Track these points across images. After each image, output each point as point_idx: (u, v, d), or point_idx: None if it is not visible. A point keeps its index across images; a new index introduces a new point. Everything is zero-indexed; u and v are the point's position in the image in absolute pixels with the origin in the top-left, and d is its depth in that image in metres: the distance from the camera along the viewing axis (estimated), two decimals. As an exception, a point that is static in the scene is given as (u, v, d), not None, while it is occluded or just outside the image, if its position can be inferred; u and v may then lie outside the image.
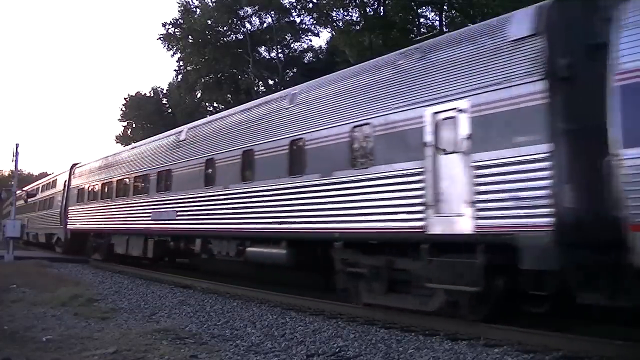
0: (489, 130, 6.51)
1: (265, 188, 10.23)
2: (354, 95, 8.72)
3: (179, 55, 41.75)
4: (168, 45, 41.18)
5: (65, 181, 22.71)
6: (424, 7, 30.97)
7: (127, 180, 17.30)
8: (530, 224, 5.94)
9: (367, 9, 31.61)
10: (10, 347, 5.89)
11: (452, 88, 7.04)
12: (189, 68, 42.08)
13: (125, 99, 57.01)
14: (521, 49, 6.38)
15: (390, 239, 7.78)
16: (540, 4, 6.56)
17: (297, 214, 9.33)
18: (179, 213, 13.32)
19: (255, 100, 13.41)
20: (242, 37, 39.42)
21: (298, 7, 36.73)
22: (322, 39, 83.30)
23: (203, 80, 41.23)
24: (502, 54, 6.59)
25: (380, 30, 30.04)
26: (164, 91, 54.71)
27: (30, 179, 53.38)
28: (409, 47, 8.72)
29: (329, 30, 37.72)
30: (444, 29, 32.45)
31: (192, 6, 40.08)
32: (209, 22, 39.05)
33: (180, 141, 14.31)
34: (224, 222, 11.43)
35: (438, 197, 6.96)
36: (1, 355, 5.40)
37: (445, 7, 30.77)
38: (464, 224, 6.59)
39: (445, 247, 6.97)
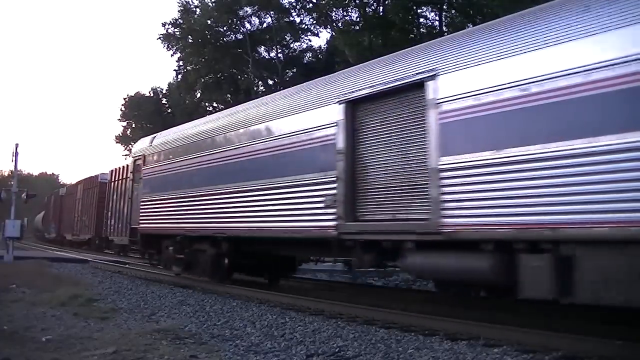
0: None
1: None
2: None
3: (178, 55, 41.86)
4: (168, 45, 41.29)
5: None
6: (423, 7, 31.01)
7: None
8: None
9: (367, 9, 31.65)
10: (9, 347, 5.89)
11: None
12: (188, 68, 42.21)
13: (124, 99, 57.17)
14: None
15: None
16: None
17: None
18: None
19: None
20: (241, 37, 39.52)
21: (298, 7, 36.80)
22: (321, 39, 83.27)
23: (203, 80, 41.31)
24: None
25: (379, 30, 30.10)
26: (164, 91, 54.78)
27: (30, 178, 53.83)
28: None
29: (328, 30, 37.81)
30: (444, 29, 32.55)
31: (192, 6, 40.16)
32: (209, 22, 39.13)
33: None
34: None
35: None
36: (1, 355, 5.39)
37: (445, 7, 30.81)
38: None
39: None
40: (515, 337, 6.28)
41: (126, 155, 58.99)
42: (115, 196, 24.59)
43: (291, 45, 40.78)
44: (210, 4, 39.15)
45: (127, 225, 16.26)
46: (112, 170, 26.18)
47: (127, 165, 23.04)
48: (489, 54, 6.77)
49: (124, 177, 23.79)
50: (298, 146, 9.52)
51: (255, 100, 14.02)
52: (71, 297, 9.67)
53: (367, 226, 8.07)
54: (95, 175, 31.30)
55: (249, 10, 38.30)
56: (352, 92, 8.59)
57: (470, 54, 7.00)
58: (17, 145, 22.13)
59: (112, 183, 25.55)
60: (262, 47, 41.01)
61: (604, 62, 5.58)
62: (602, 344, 5.75)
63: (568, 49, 5.97)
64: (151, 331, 6.75)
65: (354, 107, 8.54)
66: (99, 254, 26.31)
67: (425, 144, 7.28)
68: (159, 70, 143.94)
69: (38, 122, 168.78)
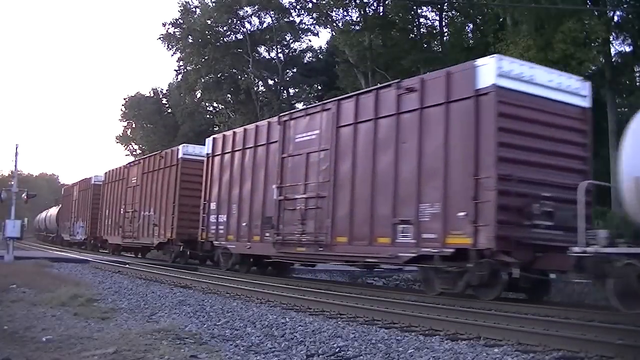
0: None
1: None
2: None
3: (178, 55, 41.89)
4: (168, 45, 41.33)
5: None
6: (423, 7, 31.00)
7: None
8: None
9: (367, 9, 31.64)
10: (10, 347, 5.89)
11: None
12: (188, 68, 42.21)
13: (125, 99, 57.20)
14: None
15: None
16: None
17: None
18: None
19: None
20: (241, 37, 39.56)
21: (298, 7, 36.79)
22: (322, 39, 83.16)
23: (203, 80, 41.29)
24: None
25: (380, 30, 30.08)
26: (164, 91, 54.84)
27: (30, 179, 53.22)
28: None
29: (329, 30, 37.80)
30: (444, 29, 32.54)
31: (192, 6, 40.21)
32: (209, 22, 39.16)
33: None
34: None
35: None
36: (1, 355, 5.39)
37: (445, 7, 30.79)
38: None
39: None
40: (515, 337, 6.29)
41: (127, 155, 58.97)
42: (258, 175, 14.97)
43: (291, 45, 40.78)
44: (210, 4, 39.19)
45: None
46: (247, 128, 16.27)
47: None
48: None
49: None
50: None
51: None
52: (71, 297, 9.65)
53: None
54: (172, 150, 21.16)
55: (249, 10, 38.32)
56: None
57: None
58: (17, 145, 22.32)
59: (249, 152, 15.44)
60: (262, 47, 41.04)
61: None
62: (602, 344, 5.76)
63: None
64: (151, 331, 6.74)
65: None
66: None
67: None
68: (159, 70, 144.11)
69: (38, 122, 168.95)
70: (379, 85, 11.97)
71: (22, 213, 30.63)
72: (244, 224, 15.23)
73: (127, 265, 17.86)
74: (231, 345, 6.28)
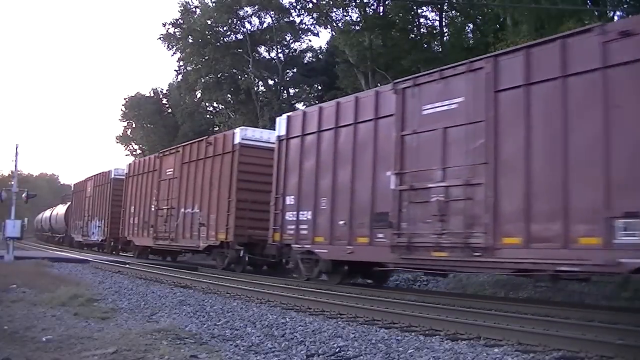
0: None
1: None
2: None
3: (179, 55, 41.92)
4: (168, 45, 41.37)
5: None
6: (423, 7, 31.00)
7: None
8: None
9: (367, 9, 31.65)
10: (10, 347, 5.89)
11: None
12: (189, 68, 42.23)
13: (125, 99, 57.21)
14: None
15: None
16: None
17: None
18: None
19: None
20: (241, 37, 39.55)
21: (298, 7, 36.78)
22: (322, 39, 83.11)
23: (203, 80, 41.29)
24: None
25: (380, 30, 30.07)
26: (164, 91, 54.87)
27: (30, 178, 52.85)
28: None
29: (328, 30, 37.79)
30: (444, 29, 32.54)
31: (192, 6, 40.25)
32: (209, 22, 39.19)
33: None
34: None
35: None
36: (1, 355, 5.39)
37: (445, 7, 30.79)
38: None
39: None
40: (515, 337, 6.29)
41: (127, 155, 58.97)
42: None
43: (291, 45, 40.75)
44: (210, 4, 39.20)
45: None
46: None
47: None
48: None
49: None
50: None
51: None
52: (71, 297, 9.66)
53: None
54: (224, 134, 17.79)
55: (249, 10, 38.32)
56: None
57: None
58: (17, 145, 22.40)
59: None
60: (262, 47, 41.02)
61: None
62: (602, 344, 5.76)
63: None
64: (151, 331, 6.74)
65: None
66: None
67: None
68: (159, 70, 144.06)
69: (38, 122, 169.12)
70: (564, 33, 9.28)
71: (22, 213, 30.52)
72: (341, 222, 12.15)
73: (127, 265, 17.87)
74: (231, 345, 6.29)
